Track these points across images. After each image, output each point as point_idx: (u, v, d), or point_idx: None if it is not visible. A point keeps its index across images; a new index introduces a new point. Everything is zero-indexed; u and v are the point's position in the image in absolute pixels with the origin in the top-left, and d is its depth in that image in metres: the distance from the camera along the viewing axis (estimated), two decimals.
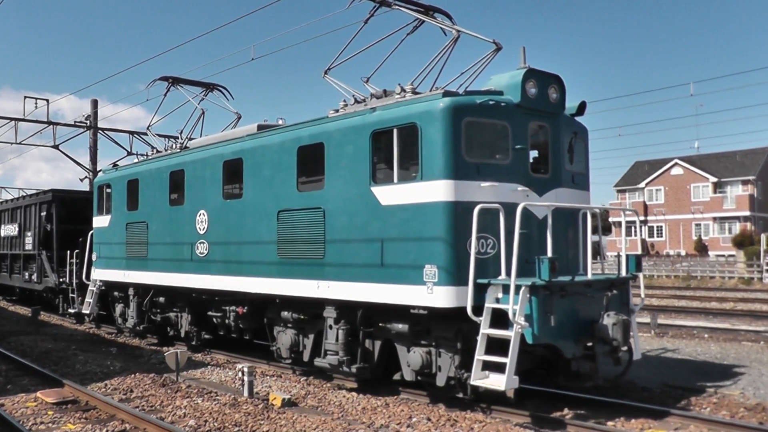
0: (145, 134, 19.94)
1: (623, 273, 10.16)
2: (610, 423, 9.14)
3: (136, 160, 18.25)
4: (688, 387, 11.32)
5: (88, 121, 30.08)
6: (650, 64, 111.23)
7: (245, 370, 10.85)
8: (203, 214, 13.99)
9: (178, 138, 16.68)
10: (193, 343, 15.49)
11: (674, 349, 15.64)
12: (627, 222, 10.32)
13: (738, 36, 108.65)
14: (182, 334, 15.73)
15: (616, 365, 9.75)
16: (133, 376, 12.44)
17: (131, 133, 30.25)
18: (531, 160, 10.09)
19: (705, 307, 23.29)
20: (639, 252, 9.83)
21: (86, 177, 30.14)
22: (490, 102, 9.60)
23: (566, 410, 9.72)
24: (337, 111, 11.21)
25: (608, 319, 9.27)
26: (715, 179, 65.59)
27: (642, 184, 70.34)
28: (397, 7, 11.09)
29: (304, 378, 12.39)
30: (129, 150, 29.40)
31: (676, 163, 45.59)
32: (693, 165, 45.46)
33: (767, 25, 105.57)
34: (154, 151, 17.27)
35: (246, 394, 10.73)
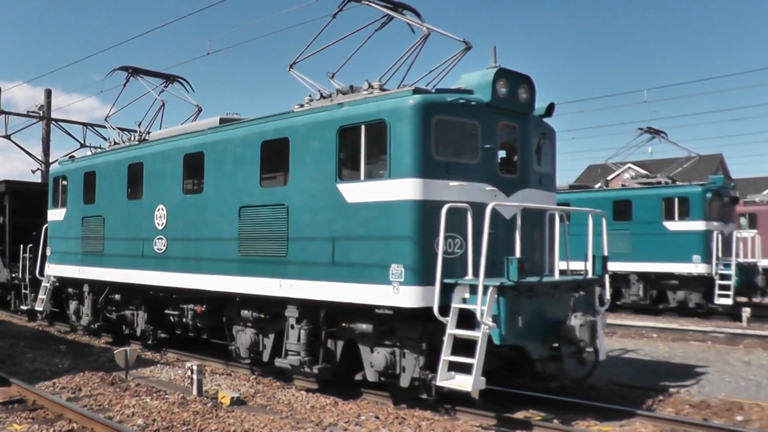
0: (101, 126, 19.43)
1: (590, 274, 10.15)
2: (556, 421, 9.22)
3: (89, 153, 17.74)
4: (635, 385, 11.51)
5: (41, 111, 29.28)
6: (605, 69, 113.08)
7: (194, 368, 10.64)
8: (162, 208, 13.63)
9: (136, 130, 16.27)
10: (149, 342, 15.11)
11: (622, 348, 15.90)
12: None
13: (691, 46, 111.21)
14: (138, 333, 15.33)
15: (580, 366, 9.75)
16: (82, 374, 12.14)
17: (85, 124, 29.53)
18: (499, 160, 10.03)
19: (654, 307, 23.84)
20: (605, 254, 9.92)
21: (38, 169, 29.33)
22: (461, 100, 9.50)
23: (531, 411, 9.74)
24: (302, 106, 10.99)
25: (575, 320, 9.26)
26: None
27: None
28: (366, 2, 10.91)
29: (254, 377, 12.26)
30: (82, 142, 28.68)
31: (629, 167, 46.30)
32: (646, 169, 46.21)
33: (719, 36, 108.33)
34: (112, 142, 16.81)
35: (195, 392, 10.55)
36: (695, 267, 21.92)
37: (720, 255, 21.74)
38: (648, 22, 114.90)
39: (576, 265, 10.78)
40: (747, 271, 22.54)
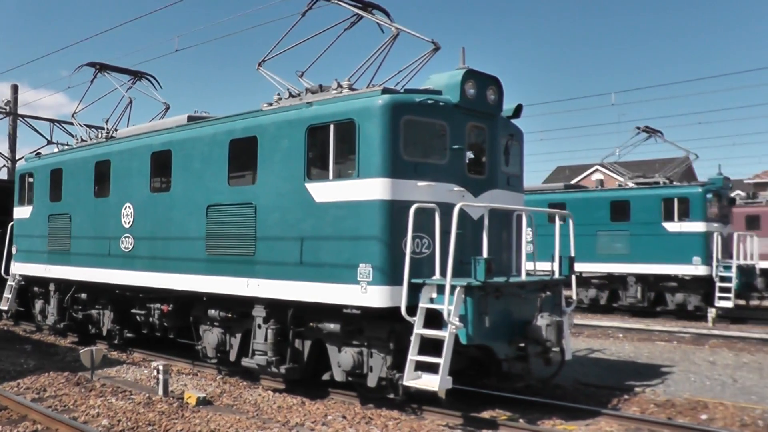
0: (68, 123, 19.14)
1: (557, 275, 10.23)
2: (522, 420, 9.28)
3: (56, 150, 17.49)
4: (601, 385, 11.64)
5: (7, 107, 28.77)
6: (573, 72, 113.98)
7: (160, 368, 10.56)
8: (129, 207, 13.48)
9: (104, 127, 16.07)
10: (116, 341, 14.94)
11: (589, 348, 16.05)
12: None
13: (659, 50, 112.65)
14: (104, 333, 15.14)
15: (546, 366, 9.81)
16: (47, 374, 12.00)
17: (52, 121, 29.04)
18: (467, 161, 10.06)
19: (620, 306, 23.90)
20: (572, 254, 9.99)
21: (4, 166, 28.81)
22: (429, 101, 9.51)
23: (497, 410, 9.79)
24: (271, 104, 10.94)
25: (542, 320, 9.33)
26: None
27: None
28: (335, 1, 10.90)
29: (220, 376, 12.20)
30: (49, 139, 28.21)
31: (597, 169, 46.74)
32: (614, 171, 46.65)
33: (687, 40, 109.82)
34: (80, 140, 16.59)
35: (161, 392, 10.47)
36: (695, 269, 21.51)
37: (720, 257, 21.42)
38: (616, 26, 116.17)
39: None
40: (746, 273, 22.28)
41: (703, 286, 21.81)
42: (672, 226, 22.06)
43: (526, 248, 10.30)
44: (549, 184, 26.99)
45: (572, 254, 10.45)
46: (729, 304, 21.08)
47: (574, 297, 10.63)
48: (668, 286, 22.58)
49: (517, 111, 10.87)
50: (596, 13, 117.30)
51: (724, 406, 10.20)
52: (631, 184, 24.57)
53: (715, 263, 21.25)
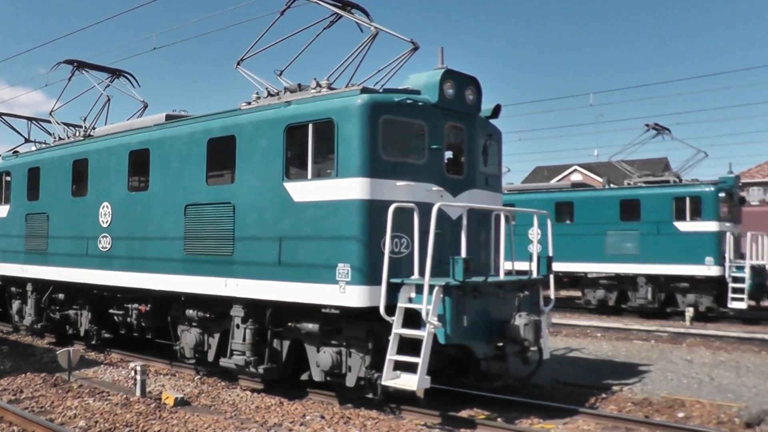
0: (46, 121, 18.93)
1: (535, 274, 10.27)
2: (500, 419, 9.31)
3: (34, 148, 17.30)
4: (579, 384, 11.71)
5: None
6: (552, 72, 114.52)
7: (138, 368, 10.50)
8: (107, 206, 13.36)
9: (82, 126, 15.93)
10: (93, 342, 14.81)
11: (567, 347, 16.13)
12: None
13: (637, 51, 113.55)
14: (82, 333, 15.00)
15: (524, 365, 9.85)
16: (24, 375, 11.89)
17: (30, 119, 28.71)
18: (446, 161, 10.08)
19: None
20: (550, 254, 10.02)
21: None
22: (408, 101, 9.51)
23: (476, 409, 9.82)
24: (250, 104, 10.89)
25: (520, 320, 9.36)
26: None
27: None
28: (314, 0, 10.86)
29: (198, 377, 12.15)
30: (27, 137, 27.89)
31: (575, 170, 46.93)
32: (592, 171, 46.90)
33: (663, 41, 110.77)
34: (57, 138, 16.42)
35: (138, 393, 10.41)
36: (708, 269, 21.00)
37: (732, 257, 21.03)
38: (594, 27, 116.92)
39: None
40: (759, 274, 21.71)
41: (715, 287, 21.38)
42: (684, 226, 21.59)
43: (535, 248, 10.27)
44: (556, 183, 26.68)
45: (550, 254, 10.49)
46: (742, 305, 20.73)
47: (552, 297, 10.65)
48: (679, 287, 22.08)
49: (496, 111, 10.90)
50: (574, 15, 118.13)
51: (701, 404, 10.30)
52: (639, 183, 23.81)
53: (728, 264, 20.83)
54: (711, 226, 21.16)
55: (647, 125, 24.13)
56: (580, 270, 23.85)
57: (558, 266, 23.26)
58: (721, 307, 21.27)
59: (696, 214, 21.44)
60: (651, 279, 22.43)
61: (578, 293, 25.82)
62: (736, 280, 20.84)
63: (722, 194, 21.39)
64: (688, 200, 21.65)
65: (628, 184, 24.01)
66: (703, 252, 21.16)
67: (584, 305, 24.43)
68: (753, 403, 10.58)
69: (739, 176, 23.28)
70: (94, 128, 15.31)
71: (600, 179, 24.71)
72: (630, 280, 22.88)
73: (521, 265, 10.66)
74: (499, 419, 9.30)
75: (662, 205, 22.05)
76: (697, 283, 21.65)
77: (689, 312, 21.12)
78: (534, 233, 10.41)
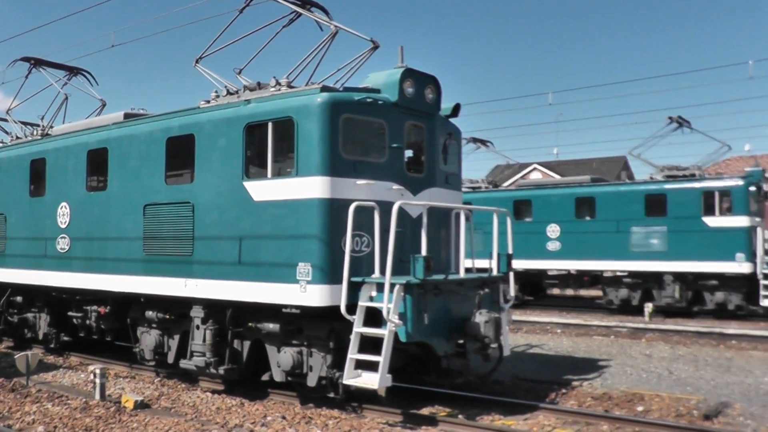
0: (2, 120, 18.55)
1: (495, 272, 10.34)
2: (461, 416, 9.36)
3: None
4: (539, 379, 11.81)
5: None
6: (511, 72, 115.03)
7: (97, 372, 10.36)
8: (65, 206, 13.15)
9: (39, 124, 15.65)
10: (52, 345, 14.55)
11: (527, 343, 16.28)
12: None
13: (595, 51, 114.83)
14: (40, 337, 14.73)
15: (485, 362, 9.92)
16: None
17: None
18: (406, 160, 10.10)
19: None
20: (510, 251, 10.08)
21: None
22: (368, 99, 9.52)
23: (437, 407, 9.86)
24: (209, 102, 10.80)
25: (480, 317, 9.42)
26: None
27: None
28: None
29: (159, 379, 12.03)
30: None
31: (535, 168, 47.35)
32: (552, 170, 47.39)
33: (620, 41, 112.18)
34: (14, 137, 16.11)
35: (98, 397, 10.27)
36: (739, 266, 20.17)
37: (763, 253, 20.29)
38: (553, 26, 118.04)
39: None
40: None
41: (745, 285, 20.59)
42: (713, 221, 20.70)
43: (495, 246, 10.26)
44: (574, 177, 25.55)
45: (510, 251, 10.56)
46: None
47: (512, 294, 10.73)
48: (708, 284, 21.16)
49: (455, 110, 10.96)
50: (533, 15, 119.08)
51: (660, 398, 10.46)
52: (660, 178, 22.70)
53: (759, 260, 20.15)
54: (742, 221, 20.42)
55: (670, 118, 23.13)
56: (602, 268, 23.05)
57: (578, 264, 23.57)
58: (750, 305, 20.66)
59: (726, 209, 20.65)
60: (678, 277, 21.57)
61: (599, 293, 24.98)
62: (767, 276, 20.11)
63: (752, 188, 20.75)
64: (717, 194, 20.83)
65: (651, 178, 23.01)
66: (734, 248, 20.36)
67: (606, 305, 23.47)
68: (711, 395, 10.78)
69: (765, 169, 22.63)
70: (52, 127, 15.05)
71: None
72: (655, 279, 21.99)
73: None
74: (460, 416, 9.35)
75: (690, 199, 21.21)
76: (726, 281, 20.80)
77: (648, 308, 21.33)
78: (494, 231, 10.43)
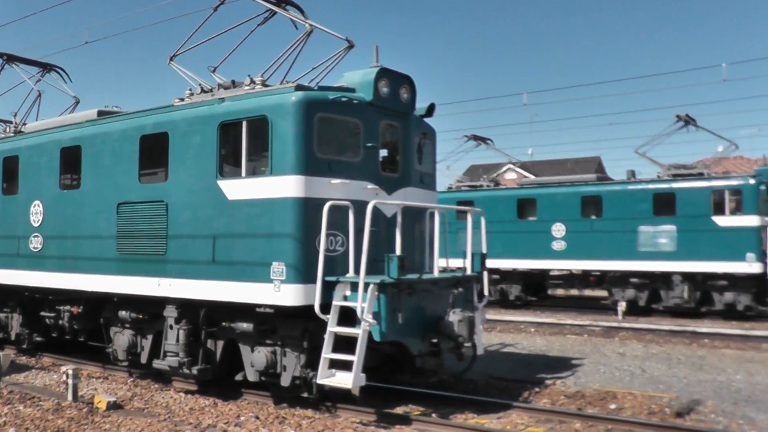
0: None
1: (469, 271, 10.38)
2: (435, 415, 9.38)
3: None
4: (513, 378, 11.85)
5: None
6: (486, 72, 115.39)
7: (69, 372, 10.25)
8: (38, 205, 13.01)
9: (12, 121, 15.48)
10: (24, 346, 14.38)
11: (501, 342, 16.33)
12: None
13: (569, 52, 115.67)
14: (12, 337, 14.56)
15: (459, 361, 9.95)
16: None
17: None
18: (381, 159, 10.11)
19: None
20: (484, 251, 10.10)
21: None
22: (343, 98, 9.52)
23: (411, 406, 9.87)
24: (183, 100, 10.74)
25: (454, 316, 9.45)
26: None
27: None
28: None
29: (132, 379, 11.94)
30: None
31: (509, 168, 47.58)
32: (526, 170, 47.69)
33: (595, 43, 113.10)
34: None
35: (70, 398, 10.16)
36: (749, 266, 19.89)
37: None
38: (528, 27, 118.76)
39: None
40: None
41: (755, 285, 20.35)
42: (723, 221, 20.40)
43: (469, 245, 10.27)
44: (580, 176, 25.20)
45: (484, 250, 10.60)
46: None
47: (486, 293, 10.77)
48: (717, 285, 20.81)
49: (430, 110, 11.00)
50: (508, 16, 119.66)
51: (632, 396, 10.55)
52: (667, 176, 22.38)
53: None
54: (752, 220, 20.17)
55: (678, 116, 23.00)
56: (609, 268, 22.72)
57: (584, 264, 23.34)
58: (760, 306, 20.47)
59: (736, 209, 20.40)
60: (687, 277, 21.20)
61: (605, 293, 24.71)
62: None
63: (763, 187, 20.43)
64: (726, 194, 20.60)
65: (659, 176, 22.67)
66: (744, 248, 20.11)
67: (612, 306, 22.88)
68: (683, 393, 10.89)
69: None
70: (25, 124, 14.90)
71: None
72: (663, 279, 21.65)
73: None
74: (434, 415, 9.37)
75: (699, 199, 20.90)
76: (735, 281, 20.49)
77: (621, 306, 21.42)
78: (468, 230, 10.46)
